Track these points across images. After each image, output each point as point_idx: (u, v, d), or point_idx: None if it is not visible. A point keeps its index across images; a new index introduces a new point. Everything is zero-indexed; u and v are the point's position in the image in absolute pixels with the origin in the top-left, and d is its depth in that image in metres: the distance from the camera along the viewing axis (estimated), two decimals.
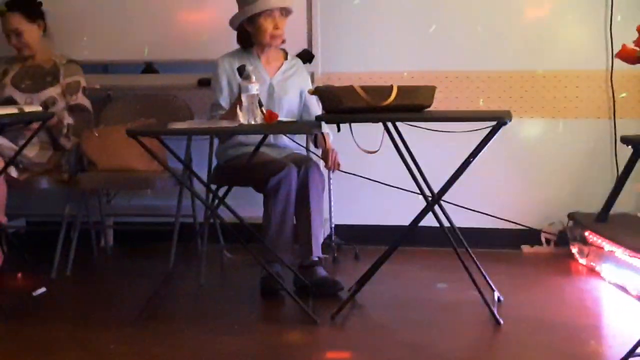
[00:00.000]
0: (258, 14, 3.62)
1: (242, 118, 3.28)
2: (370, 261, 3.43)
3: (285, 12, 3.68)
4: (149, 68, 4.53)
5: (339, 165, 3.75)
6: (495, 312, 3.11)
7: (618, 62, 3.87)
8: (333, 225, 4.31)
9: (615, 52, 3.90)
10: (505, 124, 3.00)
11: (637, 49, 3.57)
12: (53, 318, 3.29)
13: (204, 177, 3.85)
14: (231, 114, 3.45)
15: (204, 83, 4.17)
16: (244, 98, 3.27)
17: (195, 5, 4.36)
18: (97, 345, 2.97)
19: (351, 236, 4.39)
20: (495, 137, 3.06)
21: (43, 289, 3.60)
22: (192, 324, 3.19)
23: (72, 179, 4.00)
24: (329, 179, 4.13)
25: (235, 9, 3.72)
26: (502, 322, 3.08)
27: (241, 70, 3.30)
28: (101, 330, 3.10)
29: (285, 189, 3.50)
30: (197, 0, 4.35)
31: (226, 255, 4.19)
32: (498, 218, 4.05)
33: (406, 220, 3.32)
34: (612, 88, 4.33)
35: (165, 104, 4.24)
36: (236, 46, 3.81)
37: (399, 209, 4.00)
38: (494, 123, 3.02)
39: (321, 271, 3.58)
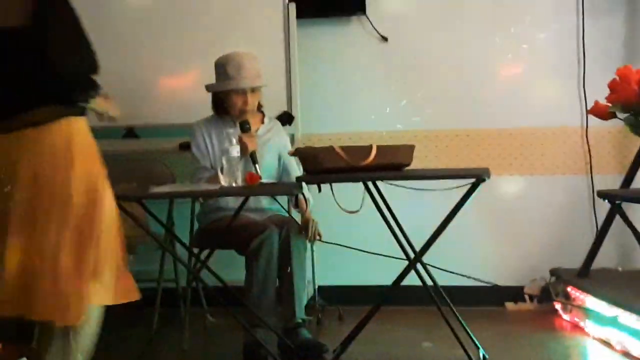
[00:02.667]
0: (228, 90, 3.69)
1: (224, 181, 3.30)
2: (355, 322, 3.40)
3: (257, 88, 3.74)
4: (129, 133, 4.54)
5: (319, 235, 3.76)
6: None
7: (593, 118, 3.97)
8: (316, 287, 4.29)
9: (588, 108, 3.99)
10: (483, 180, 3.04)
11: (609, 105, 3.65)
12: None
13: (186, 240, 3.84)
14: (213, 180, 3.49)
15: (185, 147, 4.18)
16: (224, 161, 3.30)
17: (175, 71, 4.40)
18: None
19: (335, 297, 4.37)
20: (475, 194, 3.09)
21: (24, 359, 3.53)
22: None
23: None
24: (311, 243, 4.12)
25: (212, 73, 3.77)
26: None
27: (243, 125, 3.49)
28: None
29: (267, 251, 3.49)
30: (176, 65, 4.39)
31: (209, 320, 4.14)
32: (479, 280, 4.06)
33: (389, 280, 3.32)
34: (588, 144, 4.40)
35: (146, 168, 4.24)
36: None
37: (383, 269, 4.00)
38: (472, 180, 3.06)
39: (305, 333, 3.55)
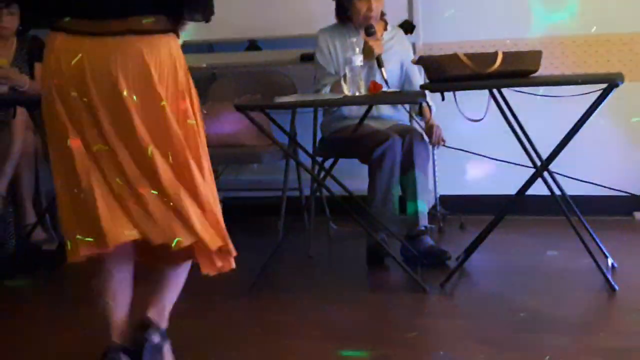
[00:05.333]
0: None
1: (347, 90, 3.32)
2: (476, 231, 3.41)
3: None
4: (252, 45, 4.61)
5: (443, 141, 3.75)
6: (610, 279, 3.04)
7: None
8: (438, 196, 4.30)
9: None
10: (617, 85, 2.93)
11: None
12: None
13: (309, 150, 3.90)
14: (336, 87, 3.52)
15: (306, 58, 4.22)
16: (347, 70, 3.32)
17: None
18: (215, 314, 3.07)
19: (456, 206, 4.36)
20: (605, 101, 2.99)
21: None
22: (304, 293, 3.26)
23: None
24: (433, 149, 4.12)
25: None
26: (617, 288, 3.02)
27: (368, 29, 3.50)
28: (217, 301, 3.20)
29: (390, 160, 3.52)
30: None
31: (332, 227, 4.24)
32: (608, 188, 3.94)
33: (511, 190, 3.29)
34: None
35: (269, 80, 4.31)
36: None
37: (504, 178, 3.95)
38: (604, 86, 2.95)
39: (428, 240, 3.58)
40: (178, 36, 2.31)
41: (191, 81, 2.30)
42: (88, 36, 2.18)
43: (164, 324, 2.29)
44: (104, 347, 2.21)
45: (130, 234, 2.15)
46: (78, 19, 2.20)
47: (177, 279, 2.37)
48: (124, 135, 2.18)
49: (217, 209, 2.28)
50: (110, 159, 2.18)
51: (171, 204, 2.18)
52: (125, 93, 2.16)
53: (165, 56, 2.21)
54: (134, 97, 2.16)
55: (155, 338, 2.21)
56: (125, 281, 2.30)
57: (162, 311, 2.31)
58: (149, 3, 2.20)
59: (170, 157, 2.19)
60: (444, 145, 3.78)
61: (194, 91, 2.30)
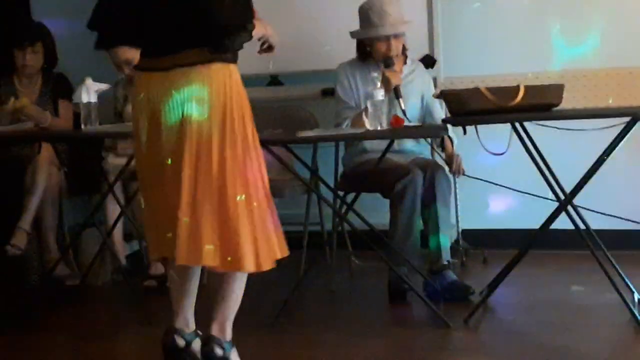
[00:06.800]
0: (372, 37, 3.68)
1: (368, 124, 3.33)
2: (499, 265, 3.39)
3: (401, 33, 3.71)
4: (274, 80, 4.64)
5: (463, 170, 3.76)
6: (637, 314, 3.00)
7: None
8: (460, 230, 4.28)
9: None
10: None
11: None
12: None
13: (331, 185, 3.90)
14: (357, 121, 3.53)
15: (328, 93, 4.25)
16: (369, 105, 3.33)
17: (317, 17, 4.43)
18: (237, 349, 3.04)
19: (479, 240, 4.34)
20: (629, 134, 2.98)
21: None
22: (327, 328, 3.25)
23: None
24: (455, 183, 4.11)
25: (356, 18, 3.78)
26: None
27: (387, 61, 3.54)
28: (240, 335, 3.16)
29: (412, 194, 3.51)
30: (318, 11, 4.42)
31: (354, 262, 4.23)
32: (633, 221, 3.91)
33: (534, 224, 3.26)
34: None
35: (290, 114, 4.32)
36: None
37: (527, 212, 3.93)
38: (628, 119, 2.94)
39: (451, 275, 3.56)
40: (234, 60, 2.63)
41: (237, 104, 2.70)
42: (153, 72, 2.54)
43: (227, 337, 2.60)
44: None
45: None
46: (148, 58, 2.55)
47: (231, 290, 2.64)
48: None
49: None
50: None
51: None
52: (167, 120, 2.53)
53: (215, 83, 2.55)
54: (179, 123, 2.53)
55: (219, 351, 2.54)
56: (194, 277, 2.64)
57: (223, 325, 2.61)
58: (193, 38, 2.50)
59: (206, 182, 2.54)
60: (464, 175, 3.78)
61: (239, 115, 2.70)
